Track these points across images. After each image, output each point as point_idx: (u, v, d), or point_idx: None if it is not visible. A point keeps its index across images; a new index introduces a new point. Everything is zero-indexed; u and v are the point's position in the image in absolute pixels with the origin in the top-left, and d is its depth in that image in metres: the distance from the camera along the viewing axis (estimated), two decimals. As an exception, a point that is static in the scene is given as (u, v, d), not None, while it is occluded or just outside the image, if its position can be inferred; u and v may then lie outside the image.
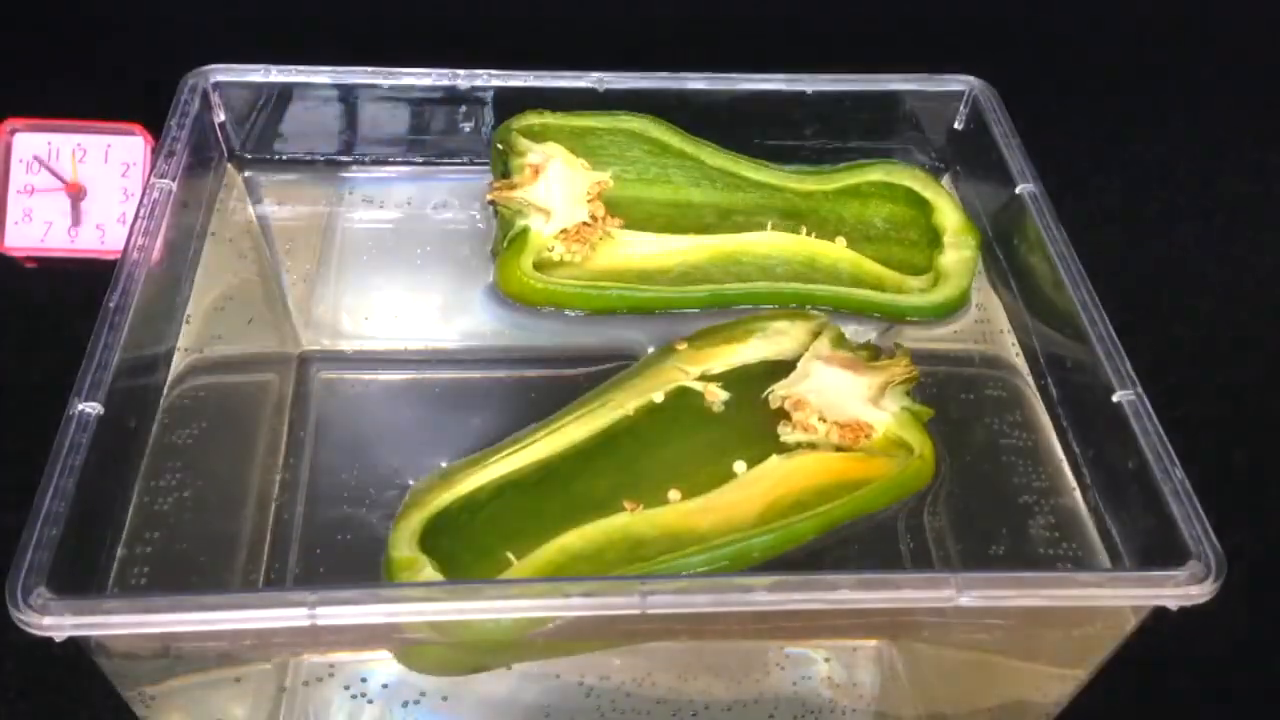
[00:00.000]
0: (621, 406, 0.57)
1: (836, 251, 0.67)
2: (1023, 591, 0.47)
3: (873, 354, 0.60)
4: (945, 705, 0.55)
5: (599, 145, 0.67)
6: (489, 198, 0.65)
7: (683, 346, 0.60)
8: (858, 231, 0.69)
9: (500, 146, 0.66)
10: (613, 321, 0.64)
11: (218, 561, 0.53)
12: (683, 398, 0.59)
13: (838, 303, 0.65)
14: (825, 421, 0.56)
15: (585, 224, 0.64)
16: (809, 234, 0.67)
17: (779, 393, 0.58)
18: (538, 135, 0.66)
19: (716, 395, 0.59)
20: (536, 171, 0.64)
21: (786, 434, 0.57)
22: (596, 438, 0.57)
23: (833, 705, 0.55)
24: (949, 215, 0.67)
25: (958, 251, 0.66)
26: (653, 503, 0.55)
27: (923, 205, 0.68)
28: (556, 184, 0.64)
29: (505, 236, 0.64)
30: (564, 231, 0.64)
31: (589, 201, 0.64)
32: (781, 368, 0.59)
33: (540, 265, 0.64)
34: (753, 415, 0.58)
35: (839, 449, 0.56)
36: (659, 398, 0.58)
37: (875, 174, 0.69)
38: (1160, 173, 0.91)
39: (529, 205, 0.63)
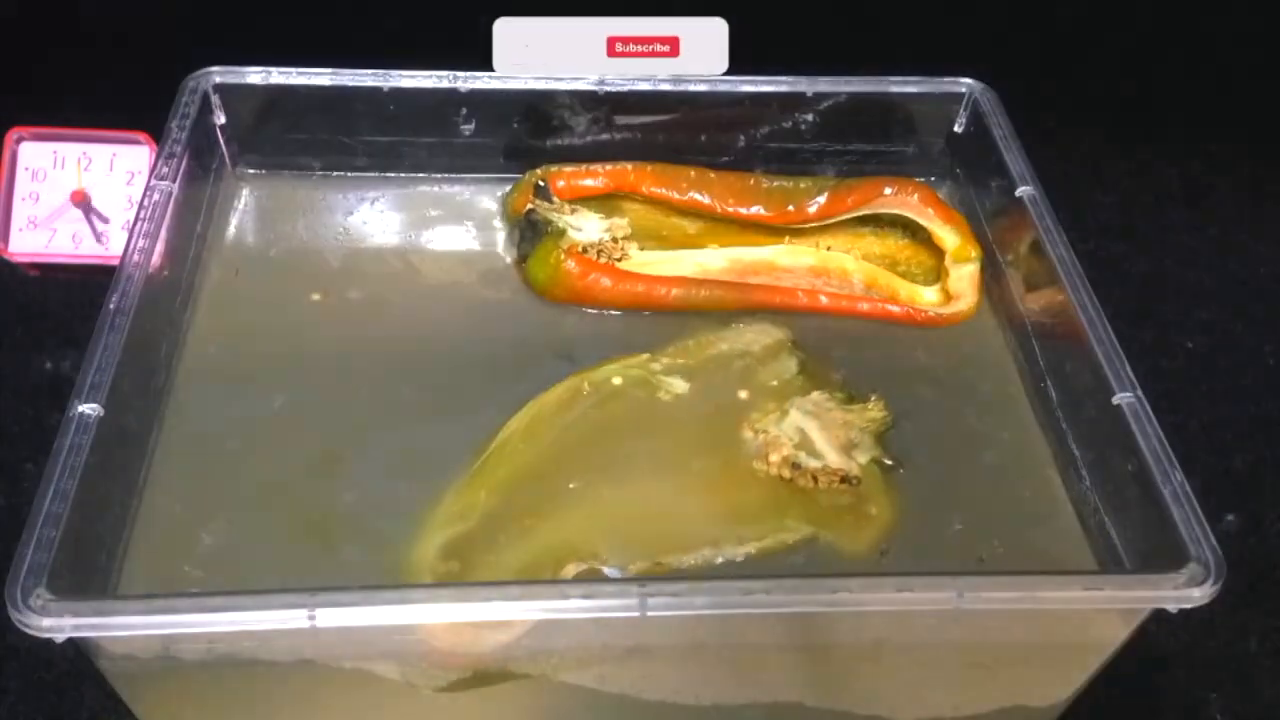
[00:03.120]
0: (583, 394, 0.60)
1: (852, 264, 0.69)
2: (1023, 594, 0.47)
3: (848, 396, 0.61)
4: (945, 708, 0.55)
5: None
6: (529, 206, 0.67)
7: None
8: (866, 227, 0.70)
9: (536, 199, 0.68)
10: (632, 320, 0.65)
11: (218, 563, 0.53)
12: (645, 388, 0.61)
13: (854, 315, 0.67)
14: (798, 468, 0.57)
15: (608, 242, 0.68)
16: (825, 248, 0.70)
17: (756, 426, 0.59)
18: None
19: (672, 387, 0.61)
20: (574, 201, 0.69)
21: (760, 468, 0.58)
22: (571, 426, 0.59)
23: (832, 707, 0.55)
24: (947, 238, 0.68)
25: (960, 269, 0.68)
26: (623, 488, 0.56)
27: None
28: (586, 212, 0.68)
29: (546, 233, 0.66)
30: (591, 243, 0.67)
31: (607, 232, 0.68)
32: (742, 363, 0.63)
33: None
34: (713, 411, 0.61)
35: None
36: (618, 380, 0.61)
37: (869, 208, 0.68)
38: (1158, 178, 0.92)
39: (564, 219, 0.67)
